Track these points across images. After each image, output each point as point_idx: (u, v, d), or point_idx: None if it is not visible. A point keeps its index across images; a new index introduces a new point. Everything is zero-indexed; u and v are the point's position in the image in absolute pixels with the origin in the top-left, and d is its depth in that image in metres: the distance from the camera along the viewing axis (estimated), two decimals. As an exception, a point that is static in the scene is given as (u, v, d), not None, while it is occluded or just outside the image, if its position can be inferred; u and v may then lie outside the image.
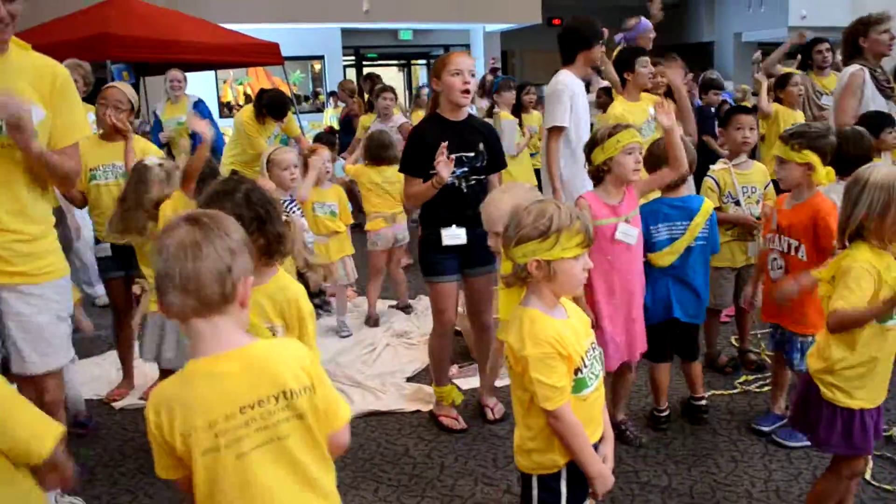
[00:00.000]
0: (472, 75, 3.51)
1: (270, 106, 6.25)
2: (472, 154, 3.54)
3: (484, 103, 8.66)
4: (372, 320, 5.39)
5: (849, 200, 2.40)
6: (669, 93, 5.16)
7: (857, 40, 4.73)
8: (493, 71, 11.81)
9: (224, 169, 6.17)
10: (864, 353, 2.41)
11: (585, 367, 2.06)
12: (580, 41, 4.38)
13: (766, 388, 3.98)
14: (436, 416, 3.79)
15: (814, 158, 3.22)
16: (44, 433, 1.73)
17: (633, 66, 4.69)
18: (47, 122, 2.57)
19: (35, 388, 2.70)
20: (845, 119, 4.60)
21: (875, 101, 4.69)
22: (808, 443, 3.34)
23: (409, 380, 4.41)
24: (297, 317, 2.25)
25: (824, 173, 3.23)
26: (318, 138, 6.69)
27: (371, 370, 4.54)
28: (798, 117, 5.76)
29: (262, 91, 6.56)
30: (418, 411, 3.96)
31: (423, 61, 19.79)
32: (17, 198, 2.60)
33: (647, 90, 4.89)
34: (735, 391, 4.03)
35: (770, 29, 20.23)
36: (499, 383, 3.96)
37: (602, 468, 2.08)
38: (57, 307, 2.75)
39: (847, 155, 3.44)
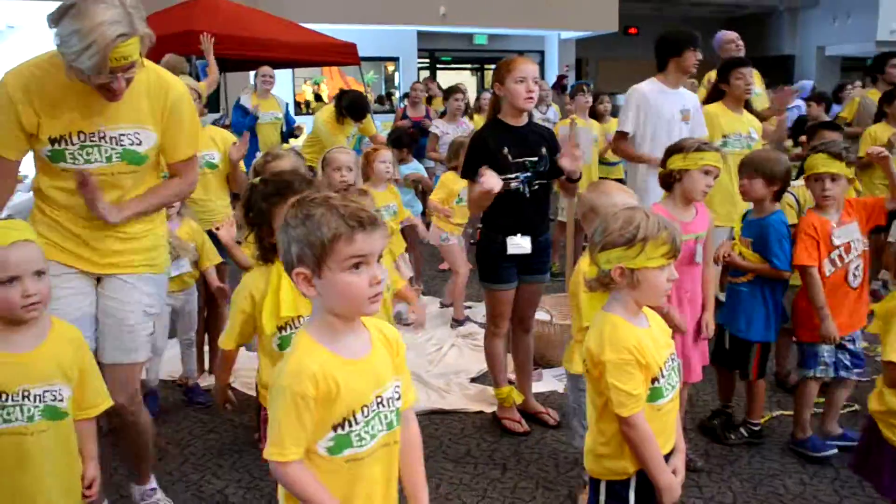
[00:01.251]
0: (536, 82, 3.51)
1: (350, 107, 6.35)
2: (536, 158, 3.53)
3: (550, 112, 8.66)
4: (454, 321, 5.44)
5: None
6: (747, 104, 5.10)
7: None
8: (561, 79, 11.75)
9: None
10: None
11: (663, 377, 2.05)
12: (670, 48, 4.41)
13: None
14: (499, 418, 3.81)
15: (850, 173, 3.35)
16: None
17: (728, 77, 4.68)
18: (157, 144, 2.63)
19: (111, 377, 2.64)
20: None
21: None
22: (833, 451, 3.41)
23: (473, 380, 4.44)
24: None
25: (858, 187, 3.48)
26: (392, 136, 6.72)
27: (436, 369, 4.59)
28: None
29: (341, 92, 6.67)
30: (482, 412, 3.98)
31: (497, 66, 19.86)
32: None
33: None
34: (805, 412, 3.93)
35: (856, 43, 19.56)
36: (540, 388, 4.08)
37: (671, 480, 2.06)
38: (147, 301, 2.75)
39: None
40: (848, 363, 3.42)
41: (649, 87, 4.43)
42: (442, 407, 4.02)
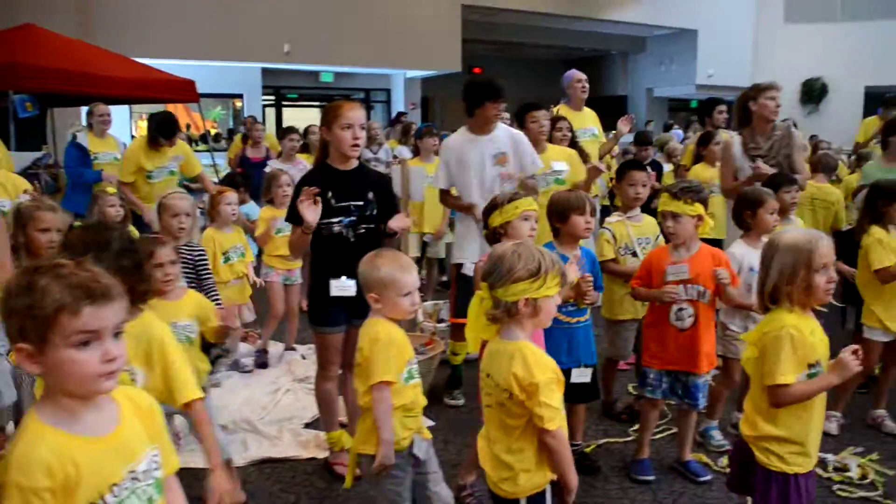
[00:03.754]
0: (363, 128, 3.53)
1: (160, 127, 6.09)
2: (361, 203, 3.53)
3: (404, 150, 8.75)
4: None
5: (764, 264, 2.51)
6: (573, 143, 5.42)
7: (747, 104, 4.99)
8: (400, 116, 11.81)
9: None
10: (790, 427, 2.47)
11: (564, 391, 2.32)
12: (472, 99, 4.42)
13: (658, 436, 4.06)
14: (330, 464, 3.74)
15: (702, 210, 3.48)
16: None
17: (524, 121, 4.99)
18: None
19: None
20: (725, 184, 4.97)
21: (741, 163, 4.96)
22: (651, 478, 3.64)
23: (307, 426, 4.33)
24: (161, 354, 2.42)
25: (710, 223, 3.54)
26: (224, 180, 6.51)
27: (269, 416, 4.45)
28: (715, 175, 5.88)
29: (151, 115, 6.40)
30: (314, 458, 3.89)
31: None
32: None
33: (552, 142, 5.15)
34: (629, 439, 4.11)
35: (679, 86, 21.27)
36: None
37: (576, 480, 2.33)
38: None
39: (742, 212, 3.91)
40: (680, 392, 3.60)
41: (457, 140, 4.53)
42: (272, 455, 3.90)
